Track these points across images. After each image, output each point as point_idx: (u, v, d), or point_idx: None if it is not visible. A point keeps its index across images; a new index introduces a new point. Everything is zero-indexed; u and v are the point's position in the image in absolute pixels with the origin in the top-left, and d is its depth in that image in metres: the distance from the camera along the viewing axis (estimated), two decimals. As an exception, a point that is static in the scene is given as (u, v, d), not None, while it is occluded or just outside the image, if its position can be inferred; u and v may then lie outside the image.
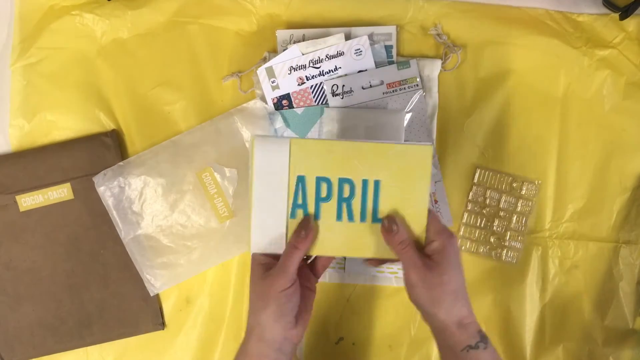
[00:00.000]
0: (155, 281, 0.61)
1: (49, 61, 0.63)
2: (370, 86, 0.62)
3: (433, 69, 0.62)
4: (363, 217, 0.47)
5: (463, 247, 0.64)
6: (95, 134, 0.63)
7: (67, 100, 0.63)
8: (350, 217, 0.47)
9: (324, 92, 0.62)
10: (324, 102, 0.62)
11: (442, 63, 0.63)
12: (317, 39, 0.61)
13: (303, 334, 0.47)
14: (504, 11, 0.64)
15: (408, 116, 0.62)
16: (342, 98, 0.62)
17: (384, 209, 0.47)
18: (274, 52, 0.63)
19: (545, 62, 0.64)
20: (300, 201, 0.47)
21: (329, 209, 0.47)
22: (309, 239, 0.46)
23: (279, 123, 0.62)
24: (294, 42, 0.62)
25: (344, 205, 0.47)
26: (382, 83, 0.62)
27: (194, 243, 0.62)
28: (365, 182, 0.47)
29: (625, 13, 0.61)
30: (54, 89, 0.63)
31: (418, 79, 0.62)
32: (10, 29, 0.63)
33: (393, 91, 0.62)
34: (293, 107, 0.63)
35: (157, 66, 0.64)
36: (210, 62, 0.64)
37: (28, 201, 0.61)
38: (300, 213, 0.47)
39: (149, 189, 0.61)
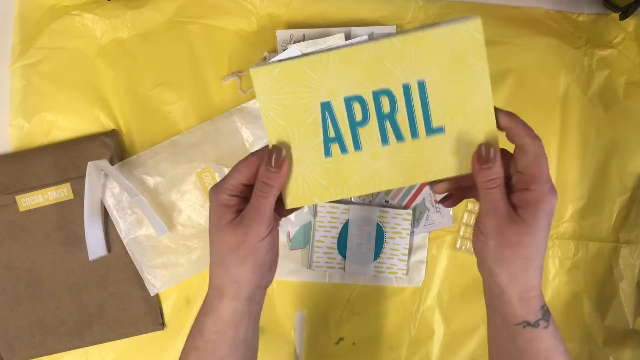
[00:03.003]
0: (156, 281, 0.61)
1: (49, 61, 0.63)
2: (370, 86, 0.62)
3: (433, 69, 0.62)
4: (414, 133, 0.37)
5: (463, 247, 0.63)
6: (95, 134, 0.63)
7: (67, 100, 0.63)
8: (399, 136, 0.38)
9: (324, 92, 0.62)
10: (324, 102, 0.62)
11: (442, 63, 0.63)
12: (317, 39, 0.61)
13: (274, 276, 0.42)
14: (504, 11, 0.64)
15: (408, 116, 0.62)
16: (342, 98, 0.62)
17: (437, 114, 0.37)
18: (274, 52, 0.63)
19: (545, 62, 0.64)
20: (332, 134, 0.38)
21: (369, 134, 0.38)
22: (283, 172, 0.37)
23: (279, 123, 0.62)
24: (294, 42, 0.62)
25: (387, 124, 0.37)
26: (382, 83, 0.61)
27: (194, 243, 0.62)
28: (406, 87, 0.37)
29: (625, 13, 0.61)
30: (53, 89, 0.63)
31: (418, 79, 0.61)
32: (10, 29, 0.63)
33: (393, 91, 0.61)
34: (293, 107, 0.63)
35: (157, 66, 0.64)
36: (210, 62, 0.64)
37: (28, 201, 0.61)
38: (336, 148, 0.38)
39: (149, 188, 0.61)
